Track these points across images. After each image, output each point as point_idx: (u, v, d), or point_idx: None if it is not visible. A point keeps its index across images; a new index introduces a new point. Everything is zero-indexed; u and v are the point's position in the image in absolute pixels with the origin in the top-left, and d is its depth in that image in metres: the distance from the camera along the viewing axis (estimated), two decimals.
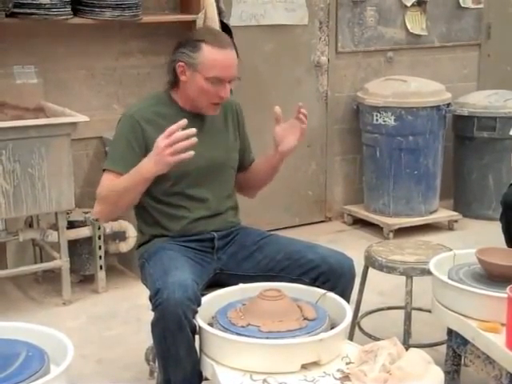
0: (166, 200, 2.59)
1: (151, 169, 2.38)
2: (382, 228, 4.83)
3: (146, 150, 2.49)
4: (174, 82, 2.60)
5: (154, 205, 2.61)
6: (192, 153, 2.32)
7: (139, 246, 2.71)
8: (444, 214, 5.06)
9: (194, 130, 2.30)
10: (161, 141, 2.32)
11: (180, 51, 2.55)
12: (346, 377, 2.09)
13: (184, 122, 2.32)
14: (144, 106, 2.62)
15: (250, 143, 2.85)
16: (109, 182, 2.50)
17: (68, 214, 3.92)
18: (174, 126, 2.32)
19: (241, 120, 2.79)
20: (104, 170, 2.57)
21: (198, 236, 2.61)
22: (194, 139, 2.31)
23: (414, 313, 3.10)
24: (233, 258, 2.64)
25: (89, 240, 3.96)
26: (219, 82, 2.50)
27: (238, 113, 2.78)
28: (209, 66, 2.49)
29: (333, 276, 2.50)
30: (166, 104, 2.62)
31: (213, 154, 2.61)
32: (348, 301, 2.48)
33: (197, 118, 2.59)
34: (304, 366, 2.14)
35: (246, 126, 2.82)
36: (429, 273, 2.69)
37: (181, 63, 2.53)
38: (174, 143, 2.30)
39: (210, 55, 2.49)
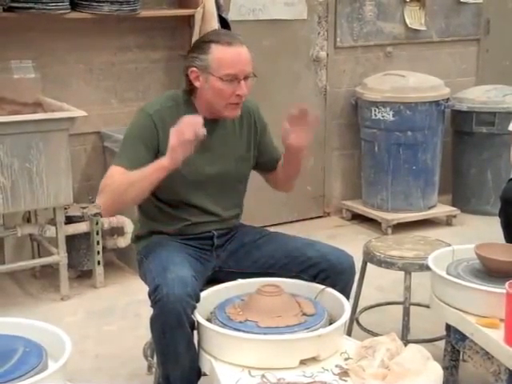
0: (168, 203, 2.58)
1: (164, 162, 2.32)
2: (380, 223, 4.83)
3: (158, 151, 2.46)
4: (190, 90, 2.54)
5: (157, 203, 2.59)
6: (203, 132, 2.29)
7: (136, 237, 2.69)
8: (443, 210, 5.05)
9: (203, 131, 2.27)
10: (172, 138, 2.28)
11: (190, 57, 2.51)
12: (345, 372, 2.09)
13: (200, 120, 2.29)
14: (163, 108, 2.52)
15: (274, 145, 2.75)
16: (119, 176, 2.42)
17: (66, 209, 3.91)
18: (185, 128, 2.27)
19: (259, 126, 2.69)
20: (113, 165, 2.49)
21: (196, 234, 2.60)
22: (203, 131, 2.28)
23: (412, 308, 3.09)
24: (232, 255, 2.62)
25: (87, 235, 3.95)
26: (233, 79, 2.44)
27: (256, 119, 2.68)
28: (220, 64, 2.43)
29: (333, 273, 2.49)
30: (183, 108, 2.52)
31: (221, 166, 2.57)
32: (348, 298, 2.48)
33: (210, 126, 2.52)
34: (303, 362, 2.14)
35: (267, 128, 2.73)
36: (427, 268, 2.69)
37: (193, 68, 2.48)
38: (184, 140, 2.27)
39: (220, 54, 2.44)
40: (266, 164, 2.75)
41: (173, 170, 2.35)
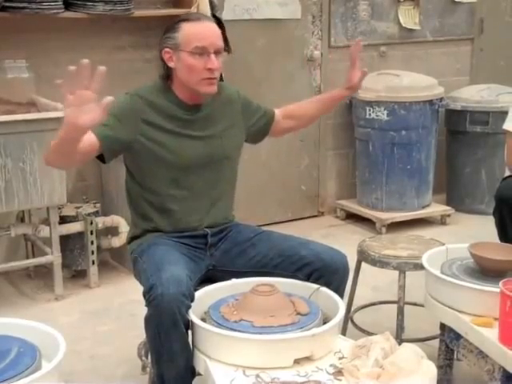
0: (158, 192, 2.57)
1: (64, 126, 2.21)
2: (374, 223, 4.84)
3: (135, 126, 2.47)
4: (167, 75, 2.57)
5: (146, 196, 2.59)
6: (111, 98, 2.21)
7: (131, 239, 2.69)
8: (437, 209, 5.06)
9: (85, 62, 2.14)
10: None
11: (163, 38, 2.55)
12: (339, 372, 2.09)
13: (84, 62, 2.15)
14: (142, 88, 2.60)
15: (262, 108, 2.82)
16: None
17: (60, 208, 3.91)
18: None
19: (244, 103, 2.74)
20: None
21: (190, 232, 2.59)
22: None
23: (406, 307, 3.10)
24: (226, 254, 2.62)
25: (81, 235, 3.95)
26: (203, 53, 2.46)
27: (238, 101, 2.72)
28: (189, 38, 2.47)
29: (327, 272, 2.49)
30: (163, 93, 2.57)
31: (206, 146, 2.59)
32: (342, 297, 2.48)
33: (192, 111, 2.57)
34: (297, 361, 2.14)
35: (251, 102, 2.79)
36: (422, 267, 2.69)
37: (166, 49, 2.52)
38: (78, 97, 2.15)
39: (189, 29, 2.49)
40: (263, 126, 2.81)
41: (74, 128, 2.21)
